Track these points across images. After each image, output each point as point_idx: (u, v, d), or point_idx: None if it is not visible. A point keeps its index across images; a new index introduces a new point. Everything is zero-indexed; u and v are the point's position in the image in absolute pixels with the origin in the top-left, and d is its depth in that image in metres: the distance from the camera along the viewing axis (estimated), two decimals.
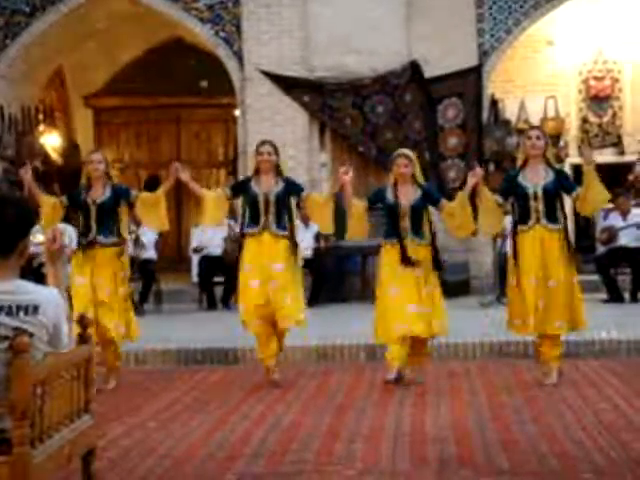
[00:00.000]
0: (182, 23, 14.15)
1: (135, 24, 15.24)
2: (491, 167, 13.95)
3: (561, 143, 14.94)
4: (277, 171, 7.98)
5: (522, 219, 7.65)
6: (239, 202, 8.47)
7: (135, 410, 6.94)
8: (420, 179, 7.91)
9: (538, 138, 7.66)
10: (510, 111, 15.14)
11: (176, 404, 7.15)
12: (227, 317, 10.94)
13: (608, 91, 15.50)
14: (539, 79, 15.55)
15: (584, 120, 15.60)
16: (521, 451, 5.39)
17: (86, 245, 7.95)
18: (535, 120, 15.13)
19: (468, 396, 7.13)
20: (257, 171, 8.02)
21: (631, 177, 14.95)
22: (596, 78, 15.51)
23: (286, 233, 7.90)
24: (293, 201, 8.03)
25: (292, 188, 8.01)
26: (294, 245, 7.94)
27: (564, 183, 7.70)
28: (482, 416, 6.38)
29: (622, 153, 15.47)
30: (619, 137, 15.50)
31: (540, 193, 7.56)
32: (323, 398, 7.19)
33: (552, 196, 7.59)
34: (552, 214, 7.58)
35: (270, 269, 7.76)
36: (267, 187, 7.90)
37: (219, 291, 12.76)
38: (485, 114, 13.89)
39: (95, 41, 16.13)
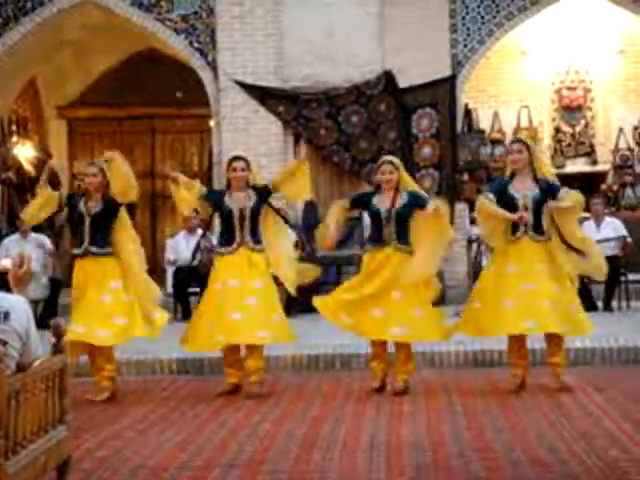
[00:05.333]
0: (156, 34, 14.12)
1: (109, 35, 15.17)
2: (465, 176, 14.00)
3: None
4: (248, 185, 7.96)
5: (510, 230, 7.59)
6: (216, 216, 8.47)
7: (110, 420, 6.91)
8: (409, 184, 7.82)
9: (519, 152, 7.58)
10: (484, 121, 15.23)
11: (151, 414, 7.12)
12: None
13: (580, 101, 15.60)
14: (512, 89, 15.65)
15: (557, 130, 15.71)
16: (496, 458, 5.41)
17: (79, 256, 7.91)
18: (509, 130, 15.23)
19: (444, 404, 7.15)
20: (229, 186, 8.00)
21: (604, 186, 15.05)
22: (568, 88, 15.62)
23: (262, 247, 7.89)
24: (266, 208, 8.00)
25: (262, 194, 7.95)
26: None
27: (550, 190, 7.58)
28: (458, 424, 6.40)
29: (595, 162, 15.57)
30: (592, 146, 15.61)
31: (530, 204, 7.52)
32: (299, 407, 7.19)
33: (541, 206, 7.55)
34: (539, 225, 7.56)
35: (249, 286, 7.74)
36: (241, 202, 7.87)
37: (194, 301, 12.71)
38: (459, 124, 13.93)
39: (69, 52, 16.07)
